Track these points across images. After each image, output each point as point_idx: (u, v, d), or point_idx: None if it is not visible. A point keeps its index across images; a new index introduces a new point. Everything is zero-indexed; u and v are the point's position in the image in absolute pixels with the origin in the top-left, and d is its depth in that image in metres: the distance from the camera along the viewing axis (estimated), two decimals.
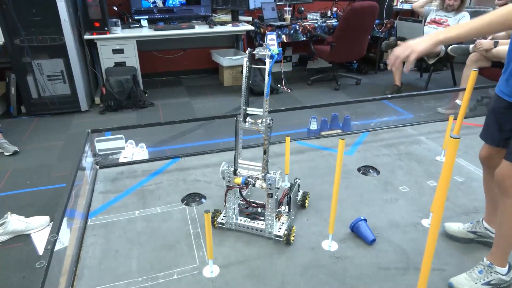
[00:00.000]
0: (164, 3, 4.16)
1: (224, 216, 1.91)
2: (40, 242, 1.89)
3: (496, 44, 3.14)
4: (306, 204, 2.05)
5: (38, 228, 1.98)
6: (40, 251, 1.83)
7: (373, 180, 2.33)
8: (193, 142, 2.98)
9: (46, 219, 2.03)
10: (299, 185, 2.03)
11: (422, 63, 4.38)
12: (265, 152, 1.69)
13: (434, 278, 1.58)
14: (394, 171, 2.41)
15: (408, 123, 3.14)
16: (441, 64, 4.30)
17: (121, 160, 2.59)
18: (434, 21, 4.06)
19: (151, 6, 4.13)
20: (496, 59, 3.21)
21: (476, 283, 1.50)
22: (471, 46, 3.38)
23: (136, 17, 4.09)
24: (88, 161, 2.31)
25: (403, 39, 4.03)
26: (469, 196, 2.14)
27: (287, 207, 1.93)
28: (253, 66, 1.68)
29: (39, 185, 2.40)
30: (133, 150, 2.69)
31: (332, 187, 1.62)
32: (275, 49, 1.65)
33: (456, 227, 1.82)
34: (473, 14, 4.49)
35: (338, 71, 4.52)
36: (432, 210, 1.90)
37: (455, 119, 2.41)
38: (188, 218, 1.99)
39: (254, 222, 1.87)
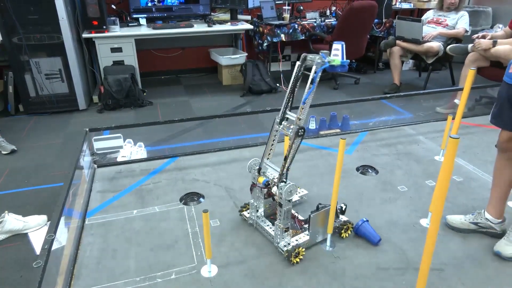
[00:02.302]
0: (162, 1, 4.15)
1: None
2: (37, 242, 1.88)
3: (494, 43, 3.14)
4: (343, 235, 1.82)
5: (35, 228, 1.97)
6: (38, 251, 1.82)
7: (372, 179, 2.33)
8: (192, 141, 2.98)
9: (43, 218, 2.02)
10: (342, 210, 1.86)
11: (421, 63, 4.39)
12: (285, 159, 1.61)
13: (433, 278, 1.57)
14: (393, 171, 2.40)
15: (407, 123, 3.14)
16: (440, 64, 4.31)
17: (119, 159, 2.58)
18: (433, 21, 4.06)
19: (150, 5, 4.11)
20: (495, 59, 3.21)
21: None
22: (469, 45, 3.38)
23: (134, 16, 4.07)
24: (86, 160, 2.30)
25: (401, 38, 4.02)
26: (467, 195, 2.14)
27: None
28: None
29: (36, 184, 2.39)
30: (131, 149, 2.68)
31: (331, 186, 1.62)
32: (337, 59, 1.56)
33: (458, 219, 1.88)
34: (472, 13, 4.49)
35: None
36: (431, 210, 1.90)
37: (453, 118, 2.41)
38: (186, 218, 1.98)
39: (271, 228, 1.81)
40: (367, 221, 1.83)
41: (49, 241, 1.38)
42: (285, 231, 1.71)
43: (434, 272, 1.60)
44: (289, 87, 1.64)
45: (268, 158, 1.76)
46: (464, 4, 4.13)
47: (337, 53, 1.56)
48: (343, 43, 1.57)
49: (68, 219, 1.74)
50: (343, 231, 1.82)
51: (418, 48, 3.92)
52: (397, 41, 4.04)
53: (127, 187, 2.27)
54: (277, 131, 1.71)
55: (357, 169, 2.44)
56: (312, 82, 1.56)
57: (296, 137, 1.57)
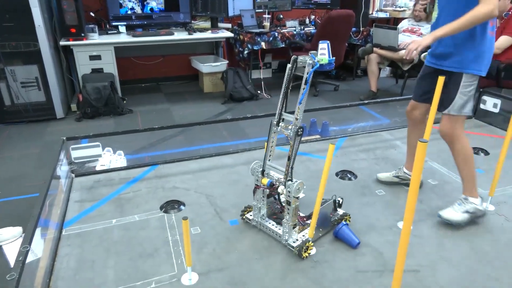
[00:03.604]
0: (142, 9, 4.14)
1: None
2: (12, 254, 1.83)
3: None
4: None
5: (10, 240, 1.92)
6: (12, 263, 1.77)
7: (351, 184, 2.38)
8: (172, 149, 2.96)
9: (18, 230, 1.96)
10: (339, 204, 1.99)
11: (397, 70, 4.51)
12: (289, 159, 1.68)
13: (408, 279, 1.62)
14: (371, 175, 2.45)
15: (384, 128, 3.22)
16: (416, 71, 4.42)
17: (98, 168, 2.54)
18: (408, 30, 4.19)
19: (130, 13, 4.09)
20: None
21: (457, 212, 1.93)
22: None
23: (114, 23, 4.04)
24: (63, 169, 2.26)
25: (378, 46, 4.13)
26: (442, 198, 2.21)
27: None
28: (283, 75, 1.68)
29: (12, 195, 2.33)
30: (110, 158, 2.65)
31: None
32: (324, 58, 1.62)
33: (385, 176, 2.36)
34: None
35: (317, 78, 4.59)
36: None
37: None
38: (166, 226, 1.97)
39: (277, 227, 1.86)
40: (347, 224, 1.86)
41: (23, 252, 1.35)
42: (293, 227, 1.77)
43: (410, 273, 1.64)
44: (283, 89, 1.71)
45: (269, 160, 1.81)
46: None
47: (324, 52, 1.63)
48: (329, 42, 1.64)
49: (44, 230, 1.70)
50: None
51: (394, 55, 4.04)
52: (374, 49, 4.15)
53: (106, 196, 2.24)
54: (275, 132, 1.77)
55: (337, 174, 2.48)
56: (305, 83, 1.64)
57: (296, 136, 1.65)
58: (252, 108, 3.96)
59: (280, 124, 1.75)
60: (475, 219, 1.96)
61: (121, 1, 3.99)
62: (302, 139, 3.00)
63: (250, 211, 1.98)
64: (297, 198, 1.71)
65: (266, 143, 1.79)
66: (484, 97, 3.22)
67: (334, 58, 1.66)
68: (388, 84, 4.88)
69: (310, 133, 3.08)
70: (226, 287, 1.59)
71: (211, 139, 3.11)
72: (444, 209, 1.98)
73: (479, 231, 1.93)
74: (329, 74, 5.18)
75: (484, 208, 2.00)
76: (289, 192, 1.68)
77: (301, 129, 1.65)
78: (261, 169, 1.81)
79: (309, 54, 1.64)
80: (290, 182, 1.69)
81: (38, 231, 1.55)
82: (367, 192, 2.28)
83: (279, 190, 1.74)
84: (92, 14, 4.03)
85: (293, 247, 1.75)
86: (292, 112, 1.70)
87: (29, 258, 1.40)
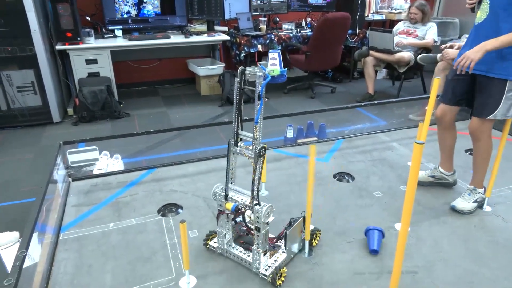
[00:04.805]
0: (138, 13, 4.14)
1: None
2: (9, 259, 1.82)
3: None
4: (314, 243, 1.81)
5: (7, 245, 1.90)
6: (9, 268, 1.76)
7: (348, 186, 2.38)
8: (170, 152, 2.96)
9: (15, 235, 1.95)
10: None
11: (394, 72, 4.53)
12: (253, 182, 1.51)
13: (406, 280, 1.62)
14: (368, 177, 2.46)
15: (381, 130, 3.23)
16: (412, 73, 4.46)
17: (95, 172, 2.54)
18: (404, 32, 4.21)
19: (126, 16, 4.10)
20: None
21: (469, 202, 2.08)
22: (438, 55, 3.52)
23: (110, 27, 4.04)
24: (60, 173, 2.25)
25: (374, 49, 4.15)
26: (439, 199, 2.21)
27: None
28: (247, 87, 1.53)
29: (8, 200, 2.32)
30: (107, 162, 2.64)
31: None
32: (275, 69, 1.43)
33: (420, 174, 2.28)
34: (441, 24, 4.69)
35: (314, 80, 4.60)
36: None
37: None
38: (164, 229, 1.97)
39: (245, 253, 1.70)
40: (382, 232, 1.82)
41: (20, 257, 1.34)
42: (264, 254, 1.63)
43: (408, 275, 1.65)
44: (234, 106, 1.55)
45: (232, 183, 1.66)
46: (431, 16, 4.31)
47: (275, 63, 1.45)
48: (279, 51, 1.46)
49: (41, 235, 1.70)
50: (313, 239, 1.81)
51: (390, 58, 4.06)
52: (370, 51, 4.17)
53: (103, 200, 2.23)
54: (234, 153, 1.62)
55: (334, 176, 2.49)
56: (259, 98, 1.47)
57: (258, 158, 1.50)
58: (249, 111, 3.94)
59: (240, 144, 1.59)
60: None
61: (116, 5, 4.00)
62: (300, 141, 3.03)
63: (215, 237, 1.81)
64: (267, 223, 1.56)
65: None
66: None
67: (286, 69, 1.48)
68: (385, 86, 4.90)
69: (308, 135, 3.09)
70: None
71: (208, 142, 3.11)
72: (455, 200, 2.11)
73: (476, 232, 1.94)
74: (325, 76, 5.20)
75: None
76: (257, 217, 1.52)
77: (263, 149, 1.49)
78: (223, 193, 1.64)
79: (259, 65, 1.46)
80: (257, 206, 1.52)
81: (35, 236, 1.55)
82: (365, 194, 2.28)
83: (246, 215, 1.60)
84: (88, 18, 4.02)
85: (265, 275, 1.60)
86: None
87: (26, 263, 1.39)
